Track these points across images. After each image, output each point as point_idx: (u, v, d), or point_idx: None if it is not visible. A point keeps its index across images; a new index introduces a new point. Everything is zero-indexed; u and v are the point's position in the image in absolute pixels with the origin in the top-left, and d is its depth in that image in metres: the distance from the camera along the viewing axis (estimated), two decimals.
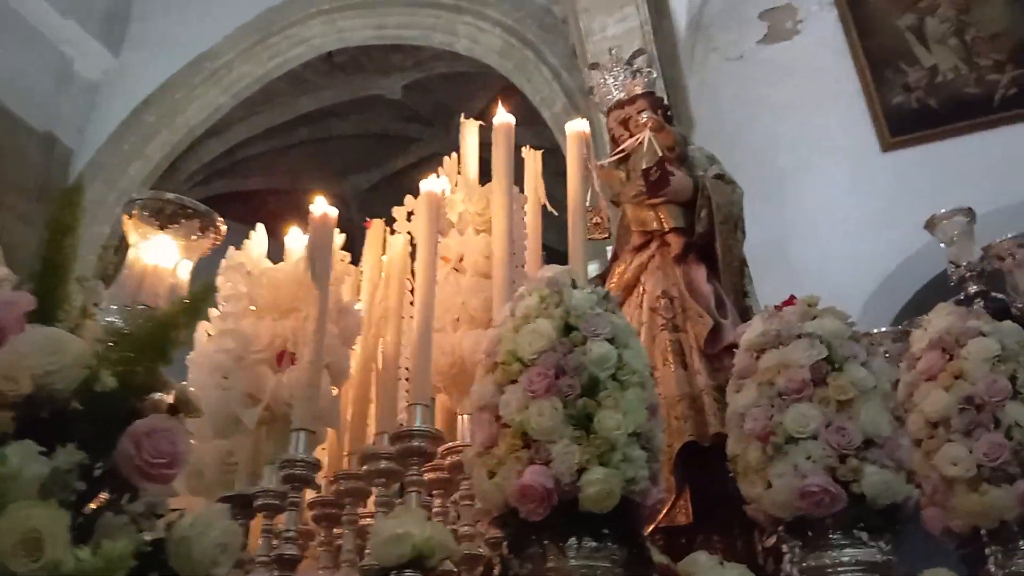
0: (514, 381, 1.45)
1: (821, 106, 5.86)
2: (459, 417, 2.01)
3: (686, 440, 2.38)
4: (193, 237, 1.73)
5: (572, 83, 6.30)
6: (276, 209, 10.44)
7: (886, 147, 5.59)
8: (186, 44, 8.09)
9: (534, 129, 7.83)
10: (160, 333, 1.19)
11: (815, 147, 5.70)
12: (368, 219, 2.34)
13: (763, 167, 5.59)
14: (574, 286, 1.56)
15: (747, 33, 6.36)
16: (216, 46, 7.99)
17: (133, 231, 1.70)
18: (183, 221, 1.71)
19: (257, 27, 7.93)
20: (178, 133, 8.06)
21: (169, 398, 1.22)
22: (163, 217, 1.70)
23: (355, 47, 7.84)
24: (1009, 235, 2.58)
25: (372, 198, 10.32)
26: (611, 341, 1.48)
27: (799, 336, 1.68)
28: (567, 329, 1.48)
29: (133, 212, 1.70)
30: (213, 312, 2.03)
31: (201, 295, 1.29)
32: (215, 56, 7.98)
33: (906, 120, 5.63)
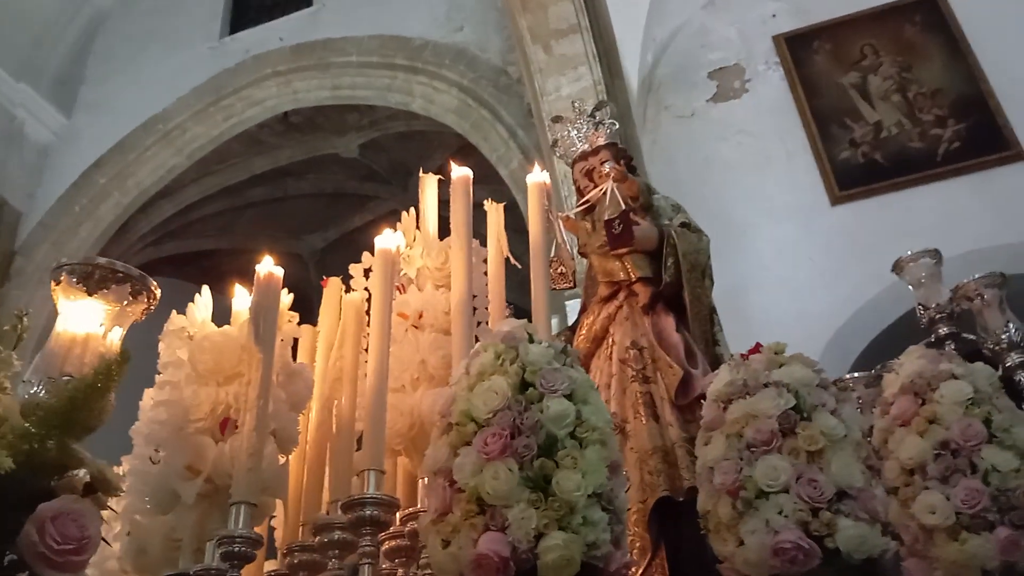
0: (468, 443, 1.37)
1: (771, 162, 5.99)
2: (420, 481, 1.88)
3: (660, 495, 2.31)
4: (125, 303, 1.62)
5: (528, 141, 6.38)
6: (231, 270, 10.33)
7: (835, 201, 5.72)
8: (139, 106, 8.06)
9: (491, 187, 7.91)
10: (70, 406, 1.12)
11: (766, 202, 5.82)
12: (325, 277, 2.28)
13: (716, 222, 5.62)
14: (531, 340, 1.49)
15: (697, 92, 6.52)
16: (170, 107, 7.97)
17: (61, 296, 1.60)
18: (113, 286, 1.60)
19: (211, 89, 7.94)
20: (130, 195, 7.97)
21: (83, 475, 1.14)
22: (91, 282, 1.60)
23: (310, 107, 7.87)
24: (976, 275, 2.57)
25: (329, 257, 10.27)
26: (569, 397, 1.41)
27: (766, 385, 1.62)
28: (524, 386, 1.41)
29: (61, 278, 1.60)
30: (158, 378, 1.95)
31: (112, 364, 1.21)
32: (168, 117, 7.96)
33: (853, 174, 5.78)
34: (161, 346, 1.96)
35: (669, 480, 2.33)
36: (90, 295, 1.59)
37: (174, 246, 9.18)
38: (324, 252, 10.23)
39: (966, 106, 5.75)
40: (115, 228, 8.04)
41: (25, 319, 1.35)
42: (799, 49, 6.38)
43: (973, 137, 5.62)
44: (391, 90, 7.40)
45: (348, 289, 2.18)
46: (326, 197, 9.51)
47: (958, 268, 5.08)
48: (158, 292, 1.68)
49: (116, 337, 1.62)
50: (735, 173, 6.01)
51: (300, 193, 9.33)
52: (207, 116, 7.93)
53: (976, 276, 2.54)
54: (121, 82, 8.42)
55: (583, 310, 2.87)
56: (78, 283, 1.60)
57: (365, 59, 7.47)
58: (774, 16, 6.63)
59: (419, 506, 1.79)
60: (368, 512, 1.60)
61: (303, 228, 9.93)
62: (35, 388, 1.46)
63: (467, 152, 7.81)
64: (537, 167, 2.10)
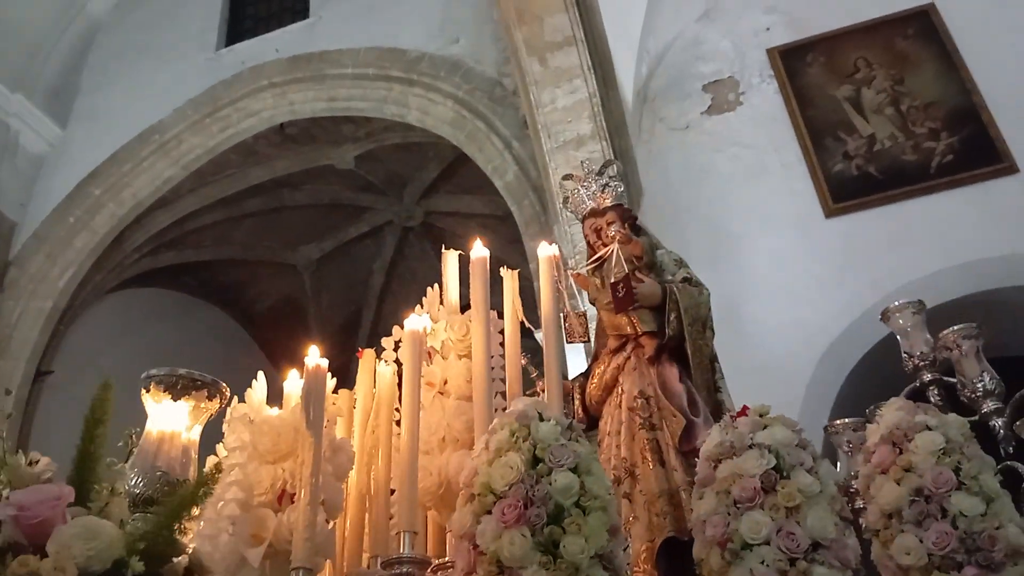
0: (489, 512, 1.59)
1: (766, 174, 6.02)
2: (448, 533, 2.12)
3: (666, 536, 2.46)
4: (202, 404, 1.99)
5: (523, 152, 6.40)
6: (228, 281, 10.34)
7: (829, 213, 5.74)
8: (134, 117, 8.08)
9: (486, 198, 7.93)
10: (180, 507, 1.43)
11: (761, 213, 5.84)
12: (360, 349, 2.48)
13: (711, 233, 5.70)
14: (541, 419, 1.70)
15: (692, 105, 6.55)
16: (166, 119, 7.99)
17: (151, 400, 1.96)
18: (193, 392, 1.98)
19: (207, 100, 7.96)
20: (125, 206, 7.98)
21: (184, 561, 1.44)
22: (175, 389, 1.96)
23: (306, 119, 7.90)
24: (956, 327, 2.71)
25: (324, 268, 10.29)
26: (574, 470, 1.62)
27: (751, 446, 1.82)
28: (535, 461, 1.63)
29: (150, 386, 1.95)
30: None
31: (211, 474, 1.57)
32: (164, 129, 7.98)
33: (847, 187, 5.80)
34: (226, 430, 2.18)
35: (675, 521, 2.48)
36: (174, 400, 1.96)
37: (170, 257, 9.19)
38: (320, 263, 10.24)
39: (959, 119, 5.78)
40: (110, 239, 8.05)
41: (134, 437, 1.79)
42: (793, 62, 6.41)
43: (966, 150, 5.65)
44: (387, 102, 7.43)
45: (381, 360, 2.38)
46: (322, 208, 9.53)
47: (953, 280, 5.15)
48: (228, 392, 2.03)
49: (196, 434, 1.99)
50: (730, 185, 6.03)
51: (296, 204, 9.36)
52: (203, 127, 7.95)
53: (955, 327, 2.70)
54: (116, 93, 8.44)
55: (595, 358, 3.03)
56: (165, 390, 1.96)
57: (361, 71, 7.50)
58: (768, 29, 6.67)
59: (447, 557, 2.04)
60: (405, 569, 1.85)
61: (299, 239, 9.95)
62: (134, 480, 1.80)
63: (462, 163, 7.85)
64: (544, 243, 2.34)
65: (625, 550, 1.77)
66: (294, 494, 1.99)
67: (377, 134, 8.18)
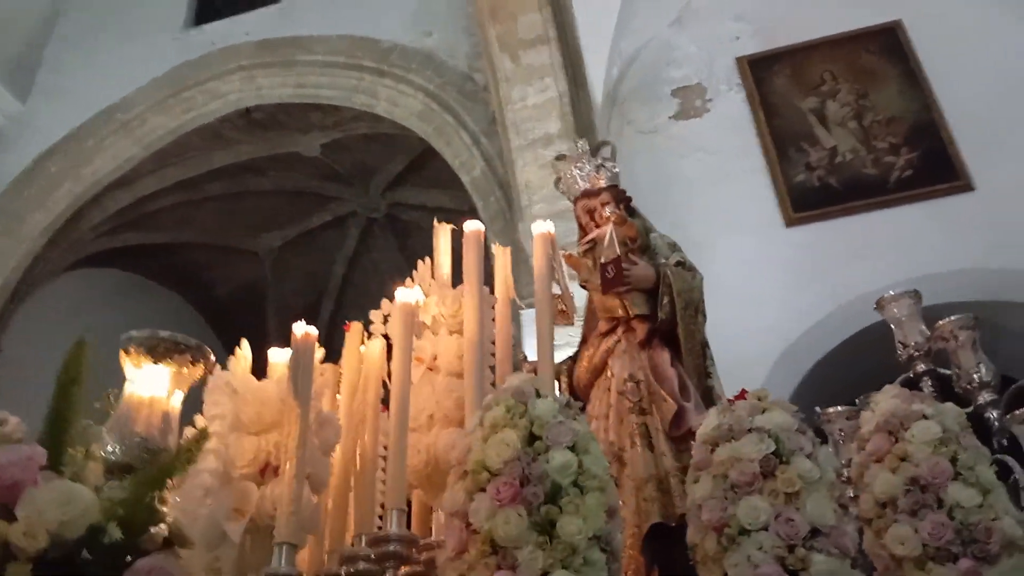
0: (483, 489, 1.54)
1: (729, 180, 6.09)
2: (434, 513, 2.12)
3: (654, 521, 2.45)
4: (185, 369, 1.91)
5: (492, 149, 6.40)
6: (186, 263, 10.19)
7: (790, 222, 5.83)
8: (97, 94, 7.92)
9: (452, 192, 7.92)
10: (159, 476, 1.38)
11: (723, 219, 5.90)
12: (348, 322, 2.42)
13: (674, 236, 5.68)
14: (538, 395, 1.66)
15: (660, 109, 6.60)
16: (129, 96, 7.84)
17: (130, 364, 1.87)
18: (176, 356, 1.89)
19: (173, 80, 7.84)
20: (83, 184, 7.82)
21: (163, 531, 1.38)
22: (157, 352, 1.87)
23: (274, 104, 7.81)
24: (953, 317, 2.72)
25: (287, 255, 10.18)
26: (572, 448, 1.57)
27: (749, 430, 1.79)
28: (531, 439, 1.58)
29: (130, 348, 1.86)
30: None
31: (194, 441, 1.51)
32: (127, 107, 7.83)
33: (808, 197, 5.89)
34: (206, 399, 2.11)
35: (663, 507, 2.47)
36: (155, 363, 1.87)
37: (128, 238, 9.01)
38: (282, 250, 10.13)
39: (919, 135, 5.90)
40: (67, 217, 7.87)
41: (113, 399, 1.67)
42: (761, 71, 6.49)
43: (925, 166, 5.77)
44: (356, 91, 7.37)
45: (368, 334, 2.32)
46: (286, 195, 9.42)
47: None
48: (212, 358, 1.96)
49: (178, 399, 1.90)
50: (694, 189, 6.09)
51: (260, 190, 9.23)
52: (167, 107, 7.82)
53: (952, 318, 2.69)
54: (80, 69, 8.27)
55: (583, 342, 2.99)
56: (146, 353, 1.87)
57: (332, 59, 7.43)
58: (738, 38, 6.74)
59: (433, 536, 2.04)
60: (392, 548, 1.80)
61: (261, 225, 9.83)
62: (111, 447, 1.72)
63: (429, 157, 7.82)
64: (540, 221, 2.24)
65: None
66: (278, 467, 1.93)
67: (345, 123, 8.10)
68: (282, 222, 9.82)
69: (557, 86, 5.77)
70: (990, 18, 6.23)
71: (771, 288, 5.54)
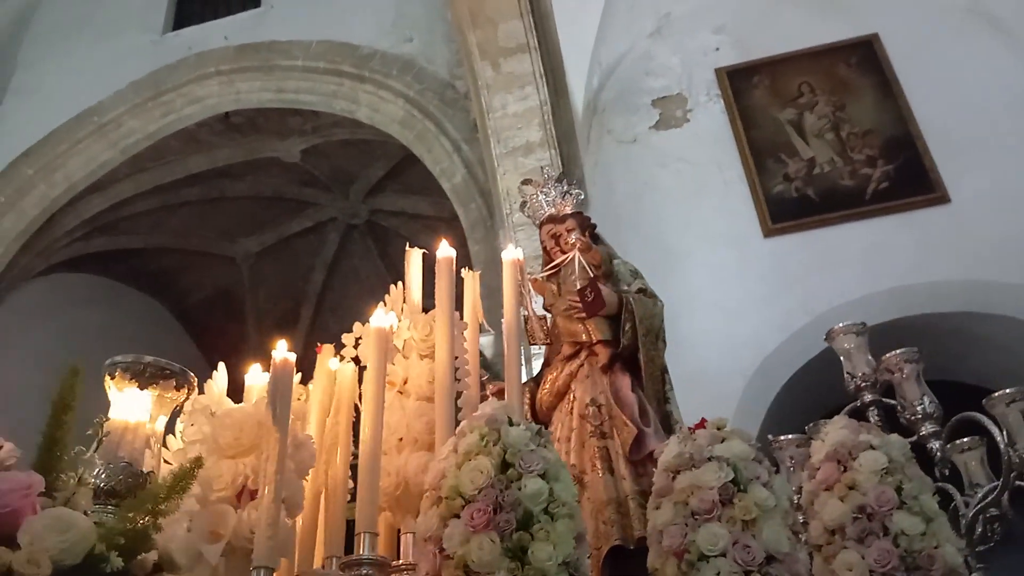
0: (457, 515, 1.57)
1: (708, 191, 6.12)
2: (402, 535, 2.13)
3: (613, 544, 2.46)
4: (168, 395, 1.94)
5: (472, 156, 6.40)
6: (161, 269, 10.08)
7: (768, 233, 5.86)
8: (73, 97, 7.83)
9: (432, 199, 7.90)
10: (152, 506, 1.40)
11: (701, 230, 5.93)
12: (319, 344, 2.41)
13: (651, 246, 5.76)
14: (510, 423, 1.70)
15: (640, 119, 6.63)
16: (105, 100, 7.76)
17: (114, 388, 1.88)
18: (160, 381, 1.92)
19: (150, 84, 7.77)
20: (57, 188, 7.73)
21: (152, 556, 1.40)
22: (142, 378, 1.89)
23: (252, 109, 7.76)
24: (899, 351, 2.79)
25: (264, 261, 10.11)
26: (543, 476, 1.61)
27: (709, 459, 1.84)
28: (504, 466, 1.62)
29: (115, 373, 1.88)
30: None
31: (186, 473, 1.54)
32: (103, 110, 7.75)
33: (786, 208, 5.94)
34: (185, 422, 2.11)
35: (622, 529, 2.48)
36: (141, 389, 1.89)
37: (102, 242, 8.92)
38: (259, 256, 10.06)
39: (896, 148, 5.97)
40: (41, 221, 7.78)
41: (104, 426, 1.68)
42: (739, 83, 6.54)
43: (901, 178, 5.83)
44: (336, 97, 7.35)
45: (340, 357, 2.32)
46: (264, 200, 9.36)
47: (883, 303, 5.29)
48: (195, 382, 1.98)
49: (161, 423, 1.93)
50: (673, 199, 6.12)
51: (237, 195, 9.17)
52: (144, 111, 7.75)
53: (899, 351, 2.77)
54: (55, 71, 8.18)
55: (546, 364, 3.03)
56: (132, 379, 1.89)
57: (311, 64, 7.40)
58: (717, 49, 6.79)
59: (401, 559, 2.04)
60: (364, 571, 1.80)
61: (238, 231, 9.76)
62: (97, 470, 1.74)
63: (410, 163, 7.80)
64: (511, 245, 2.31)
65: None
66: (255, 491, 1.94)
67: (325, 129, 8.07)
68: (260, 228, 9.76)
69: (538, 94, 5.78)
70: (965, 33, 6.32)
71: (748, 299, 5.56)
